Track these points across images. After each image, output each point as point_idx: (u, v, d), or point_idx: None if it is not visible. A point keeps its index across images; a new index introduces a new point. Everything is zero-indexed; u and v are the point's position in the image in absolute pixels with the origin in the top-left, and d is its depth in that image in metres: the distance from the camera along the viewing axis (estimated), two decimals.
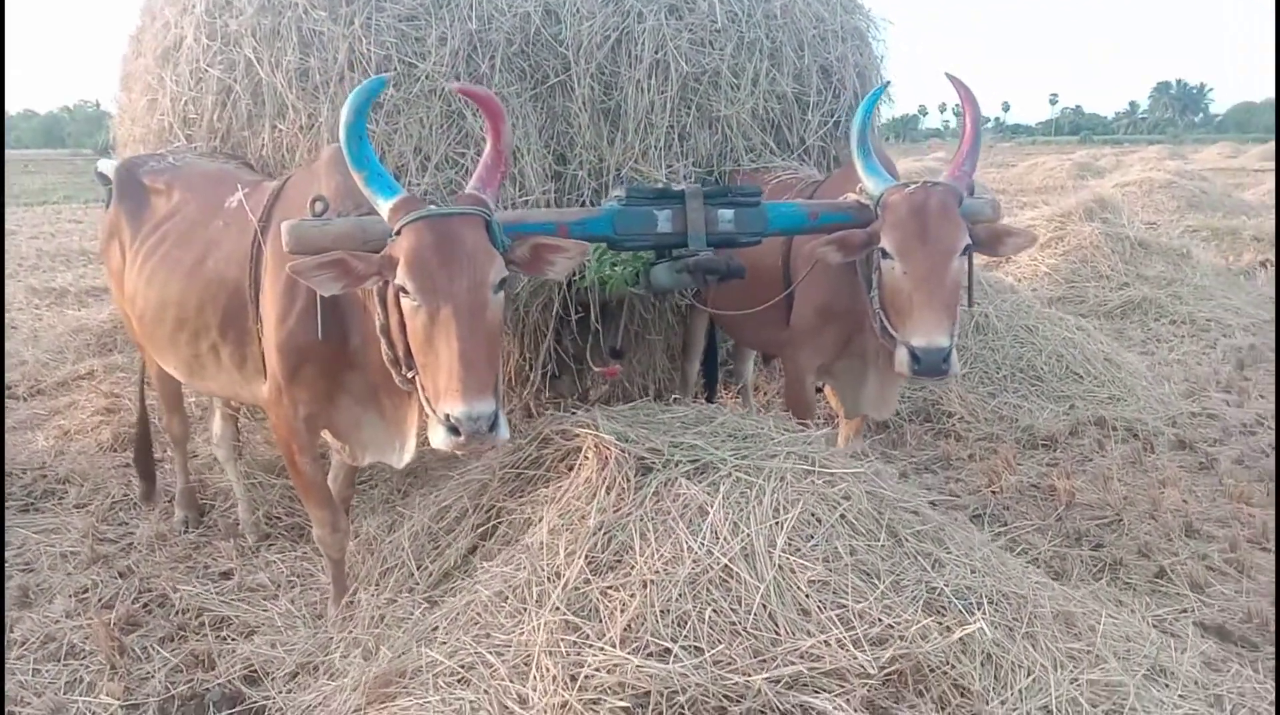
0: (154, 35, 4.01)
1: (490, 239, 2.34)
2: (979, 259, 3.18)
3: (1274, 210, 13.31)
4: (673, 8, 3.96)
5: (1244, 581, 3.30)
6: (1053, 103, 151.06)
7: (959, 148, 3.04)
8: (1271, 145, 38.10)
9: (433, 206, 2.32)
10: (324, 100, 3.66)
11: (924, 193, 2.82)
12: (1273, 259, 9.96)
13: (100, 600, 3.21)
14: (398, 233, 2.28)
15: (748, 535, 2.37)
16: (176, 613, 3.17)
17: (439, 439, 2.21)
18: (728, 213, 3.08)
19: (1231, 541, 3.51)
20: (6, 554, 3.53)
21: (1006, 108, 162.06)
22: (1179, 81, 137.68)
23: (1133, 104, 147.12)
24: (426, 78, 3.64)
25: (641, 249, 3.19)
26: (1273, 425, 4.89)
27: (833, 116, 4.34)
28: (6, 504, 3.97)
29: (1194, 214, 14.04)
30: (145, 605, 3.22)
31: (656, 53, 3.90)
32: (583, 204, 3.96)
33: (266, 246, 2.76)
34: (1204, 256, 9.06)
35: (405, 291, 2.23)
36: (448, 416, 2.16)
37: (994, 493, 4.07)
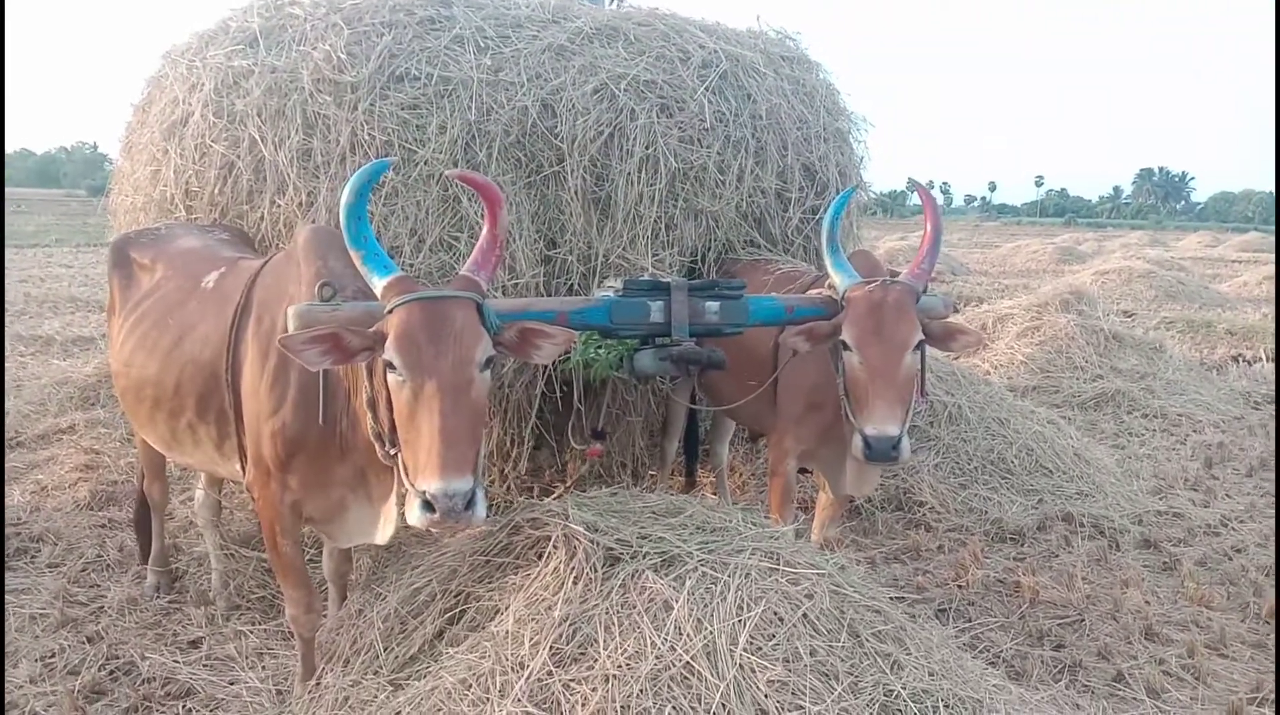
0: (161, 109, 4.13)
1: (481, 320, 2.35)
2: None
3: (1249, 304, 13.63)
4: (664, 106, 4.12)
5: (1200, 689, 3.35)
6: (1038, 184, 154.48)
7: (920, 246, 3.20)
8: (1248, 237, 39.07)
9: (426, 287, 2.35)
10: (324, 179, 3.78)
11: (882, 291, 2.99)
12: (1245, 355, 10.20)
13: (66, 666, 3.20)
14: (390, 311, 2.30)
15: (710, 633, 2.42)
16: (143, 682, 3.16)
17: (415, 516, 2.19)
18: (713, 304, 3.25)
19: (1189, 647, 3.56)
20: None
21: (993, 188, 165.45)
22: (1162, 169, 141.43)
23: (1116, 189, 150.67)
24: (425, 164, 3.77)
25: (633, 337, 3.30)
26: (1235, 527, 4.98)
27: (814, 213, 4.50)
28: None
29: (1171, 304, 14.41)
30: (112, 673, 3.21)
31: (647, 148, 4.05)
32: (571, 287, 4.08)
33: (247, 330, 2.77)
34: (1177, 350, 9.27)
35: (392, 366, 2.24)
36: (424, 493, 2.14)
37: (960, 587, 4.13)
